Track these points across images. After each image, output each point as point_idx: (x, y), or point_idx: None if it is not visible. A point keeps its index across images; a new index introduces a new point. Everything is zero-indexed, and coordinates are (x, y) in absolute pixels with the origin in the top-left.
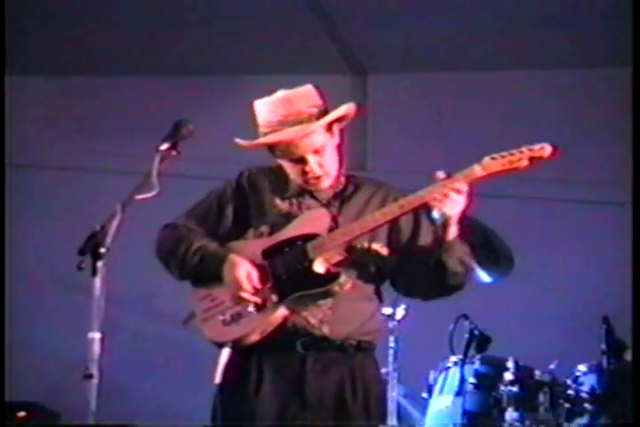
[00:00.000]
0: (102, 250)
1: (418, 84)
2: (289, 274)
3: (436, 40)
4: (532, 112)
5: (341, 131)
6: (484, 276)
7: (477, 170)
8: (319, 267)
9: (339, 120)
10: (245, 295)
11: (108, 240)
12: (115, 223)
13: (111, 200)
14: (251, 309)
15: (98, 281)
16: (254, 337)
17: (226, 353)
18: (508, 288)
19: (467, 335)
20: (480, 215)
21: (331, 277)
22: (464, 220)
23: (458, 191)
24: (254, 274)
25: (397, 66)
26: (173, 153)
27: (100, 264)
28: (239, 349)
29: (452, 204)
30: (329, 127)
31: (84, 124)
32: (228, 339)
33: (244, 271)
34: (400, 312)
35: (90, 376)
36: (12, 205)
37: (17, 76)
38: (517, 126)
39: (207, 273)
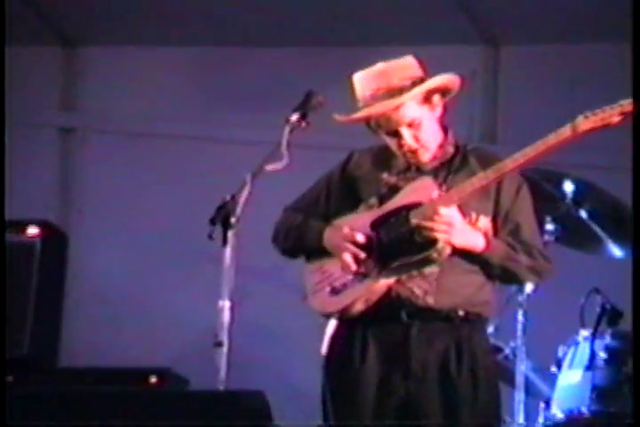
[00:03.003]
0: (232, 220)
1: (550, 56)
2: (393, 243)
3: (569, 11)
4: None
5: (445, 103)
6: (615, 250)
7: (568, 130)
8: (420, 235)
9: (441, 92)
10: (349, 247)
11: (238, 210)
12: (245, 193)
13: (241, 171)
14: (350, 277)
15: (228, 251)
16: (359, 307)
17: (332, 324)
18: None
19: (598, 309)
20: (612, 188)
21: (430, 244)
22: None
23: (447, 223)
24: (356, 234)
25: (530, 37)
26: (303, 124)
27: (230, 234)
28: (345, 319)
29: (456, 233)
30: (427, 99)
31: (215, 94)
32: (334, 309)
33: (346, 232)
34: (529, 286)
35: (220, 344)
36: (143, 174)
37: (146, 46)
38: None
39: (309, 245)
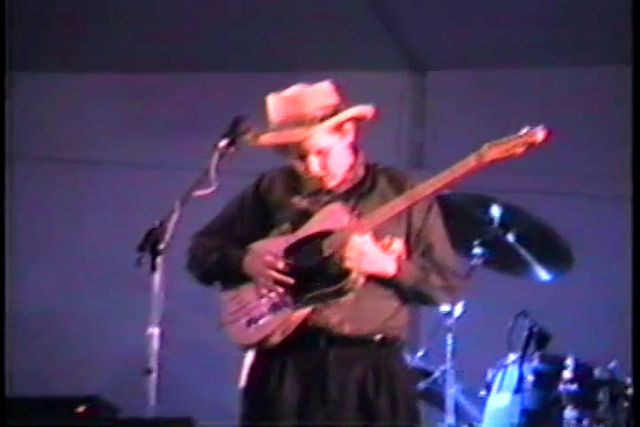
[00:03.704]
0: (161, 246)
1: (477, 81)
2: (306, 273)
3: (495, 37)
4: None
5: (357, 129)
6: (542, 273)
7: (473, 159)
8: (333, 264)
9: (353, 120)
10: (273, 274)
11: (167, 236)
12: (173, 219)
13: (170, 196)
14: (266, 308)
15: (157, 277)
16: (276, 338)
17: (250, 356)
18: (567, 285)
19: (526, 333)
20: (538, 212)
21: (343, 274)
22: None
23: (358, 252)
24: (278, 262)
25: (457, 62)
26: (232, 149)
27: (159, 260)
28: (263, 351)
29: (367, 261)
30: (337, 128)
31: (143, 120)
32: (251, 342)
33: (268, 258)
34: (458, 309)
35: (149, 371)
36: (71, 200)
37: (75, 73)
38: (577, 125)
39: (227, 270)
